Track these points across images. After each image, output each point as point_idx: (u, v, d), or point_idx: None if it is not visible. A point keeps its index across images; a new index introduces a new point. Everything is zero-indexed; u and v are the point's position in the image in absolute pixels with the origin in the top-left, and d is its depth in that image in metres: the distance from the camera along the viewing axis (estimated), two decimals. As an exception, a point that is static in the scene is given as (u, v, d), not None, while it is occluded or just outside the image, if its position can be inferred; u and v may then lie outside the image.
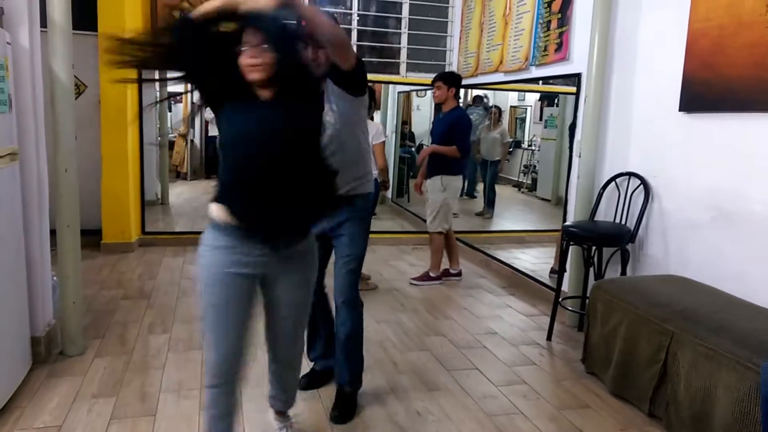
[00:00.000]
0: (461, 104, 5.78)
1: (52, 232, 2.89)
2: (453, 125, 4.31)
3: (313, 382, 2.71)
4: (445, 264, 4.63)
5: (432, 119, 7.29)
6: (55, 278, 3.00)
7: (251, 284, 1.80)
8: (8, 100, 2.44)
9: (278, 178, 1.70)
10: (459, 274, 4.64)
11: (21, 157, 2.61)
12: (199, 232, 1.82)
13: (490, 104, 6.75)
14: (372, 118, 4.26)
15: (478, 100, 6.83)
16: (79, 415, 2.38)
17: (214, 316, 1.77)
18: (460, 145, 4.29)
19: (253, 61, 1.64)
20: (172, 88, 6.56)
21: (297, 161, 1.72)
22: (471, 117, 6.48)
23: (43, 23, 2.75)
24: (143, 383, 2.69)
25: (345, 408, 2.49)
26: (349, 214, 2.37)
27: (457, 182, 4.45)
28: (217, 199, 1.75)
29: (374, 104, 4.29)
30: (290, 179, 1.71)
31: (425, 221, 4.62)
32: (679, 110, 3.00)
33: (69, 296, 2.92)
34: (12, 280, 2.53)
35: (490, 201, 6.58)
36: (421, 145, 7.93)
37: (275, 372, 2.11)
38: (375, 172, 4.17)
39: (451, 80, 4.36)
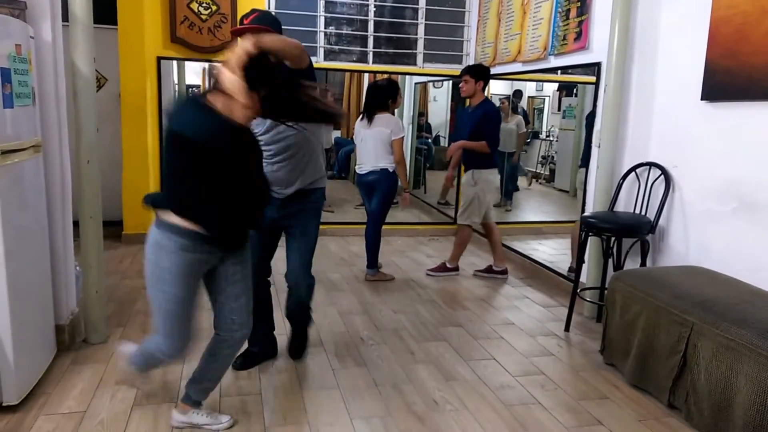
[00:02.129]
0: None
1: (75, 224, 2.95)
2: (482, 120, 4.23)
3: (249, 362, 2.82)
4: (489, 260, 4.61)
5: (449, 110, 7.27)
6: (78, 268, 3.06)
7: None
8: (32, 93, 2.48)
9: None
10: (504, 272, 4.51)
11: (44, 149, 2.67)
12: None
13: (523, 105, 6.65)
14: (393, 113, 4.25)
15: (516, 94, 6.71)
16: (103, 401, 2.44)
17: (180, 308, 2.01)
18: (489, 140, 4.20)
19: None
20: (191, 80, 6.62)
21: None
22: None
23: (65, 18, 2.79)
24: (165, 371, 2.72)
25: (303, 343, 2.94)
26: (303, 205, 2.60)
27: (489, 176, 4.35)
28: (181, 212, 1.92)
29: (394, 98, 4.24)
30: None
31: (440, 212, 4.59)
32: (701, 99, 2.95)
33: (92, 286, 2.98)
34: (37, 269, 2.58)
35: (508, 192, 6.54)
36: (437, 137, 7.90)
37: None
38: (394, 165, 4.17)
39: (479, 73, 4.26)
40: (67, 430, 2.22)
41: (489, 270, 4.53)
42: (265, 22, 2.34)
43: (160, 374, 2.69)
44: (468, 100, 4.44)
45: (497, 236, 4.51)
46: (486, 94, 4.44)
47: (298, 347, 2.94)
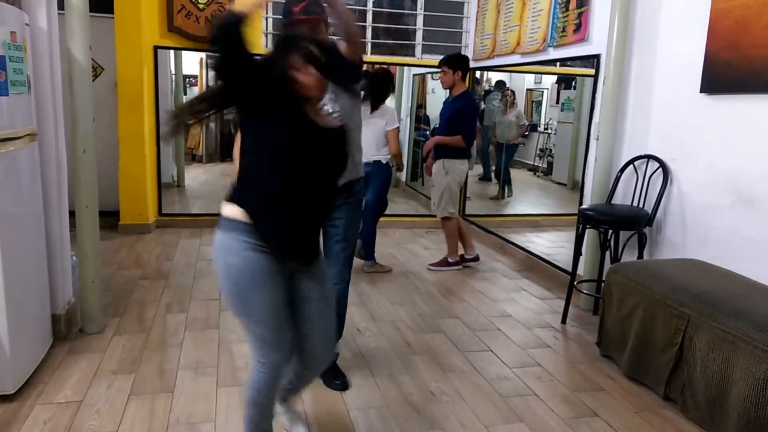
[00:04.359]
0: (479, 88, 5.74)
1: (71, 213, 2.93)
2: (459, 113, 4.23)
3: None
4: (483, 251, 4.58)
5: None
6: (74, 258, 3.05)
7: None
8: (27, 81, 2.46)
9: (316, 202, 1.76)
10: (476, 258, 4.57)
11: (40, 138, 2.64)
12: (215, 215, 1.79)
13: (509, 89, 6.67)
14: (384, 103, 4.23)
15: (500, 84, 6.73)
16: (99, 391, 2.44)
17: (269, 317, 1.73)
18: (465, 134, 4.20)
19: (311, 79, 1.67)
20: (188, 70, 6.58)
21: (332, 186, 1.85)
22: (493, 103, 6.42)
23: (61, 5, 2.76)
24: (161, 360, 2.73)
25: (342, 375, 2.57)
26: (346, 198, 2.42)
27: (461, 165, 4.35)
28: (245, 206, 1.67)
29: (391, 88, 4.24)
30: (323, 203, 1.80)
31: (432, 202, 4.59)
32: (701, 92, 2.94)
33: (88, 275, 2.97)
34: (33, 259, 2.57)
35: (506, 183, 6.55)
36: (435, 129, 7.87)
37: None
38: (388, 157, 4.16)
39: (456, 63, 4.24)
40: (63, 420, 2.21)
41: (462, 259, 4.54)
42: (316, 12, 2.16)
43: (157, 364, 2.69)
44: (450, 90, 4.40)
45: (464, 225, 4.56)
46: (467, 83, 4.43)
47: (340, 373, 2.57)
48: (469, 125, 4.27)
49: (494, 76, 6.64)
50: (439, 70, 4.33)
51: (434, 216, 4.69)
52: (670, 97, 3.20)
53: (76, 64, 2.80)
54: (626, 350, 2.76)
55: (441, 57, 5.45)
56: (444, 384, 2.64)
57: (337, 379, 2.55)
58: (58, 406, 2.30)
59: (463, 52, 5.66)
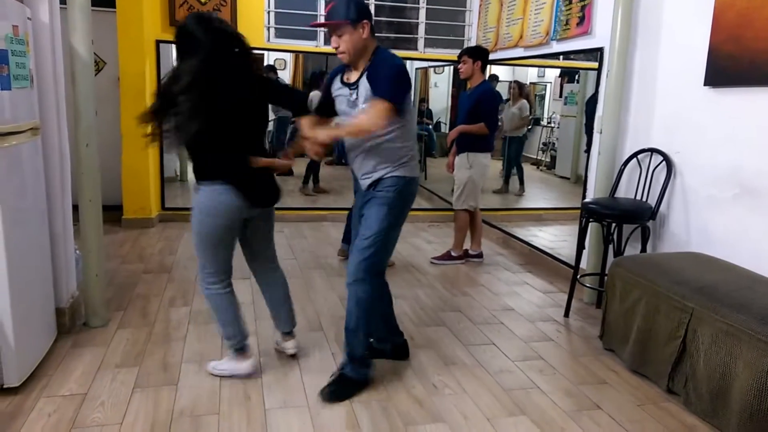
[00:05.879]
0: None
1: (74, 207, 2.94)
2: (479, 101, 4.21)
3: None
4: (466, 244, 4.57)
5: (450, 96, 7.23)
6: (78, 252, 3.06)
7: None
8: (30, 75, 2.46)
9: None
10: (480, 255, 4.55)
11: (43, 132, 2.65)
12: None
13: (505, 81, 6.63)
14: None
15: (493, 78, 6.69)
16: (104, 384, 2.45)
17: None
18: (487, 121, 4.19)
19: None
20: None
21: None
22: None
23: (63, 0, 2.76)
24: (165, 354, 2.75)
25: (337, 386, 2.45)
26: (373, 194, 2.46)
27: (484, 159, 4.33)
28: None
29: None
30: None
31: (440, 198, 4.58)
32: (704, 85, 2.93)
33: (92, 269, 2.98)
34: (37, 253, 2.58)
35: (518, 178, 6.50)
36: (438, 123, 7.86)
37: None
38: None
39: (477, 54, 4.25)
40: (68, 412, 2.23)
41: (466, 254, 4.53)
42: (338, 15, 2.24)
43: (161, 357, 2.70)
44: (467, 82, 4.41)
45: (480, 221, 4.54)
46: (485, 75, 4.42)
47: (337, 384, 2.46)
48: (490, 111, 4.25)
49: (495, 70, 6.61)
50: (458, 61, 4.31)
51: (437, 210, 4.69)
52: (673, 90, 3.19)
53: (78, 58, 2.80)
54: (629, 343, 2.76)
55: (444, 51, 5.44)
56: (447, 377, 2.65)
57: (329, 386, 2.45)
58: (62, 399, 2.32)
59: (466, 46, 5.65)
